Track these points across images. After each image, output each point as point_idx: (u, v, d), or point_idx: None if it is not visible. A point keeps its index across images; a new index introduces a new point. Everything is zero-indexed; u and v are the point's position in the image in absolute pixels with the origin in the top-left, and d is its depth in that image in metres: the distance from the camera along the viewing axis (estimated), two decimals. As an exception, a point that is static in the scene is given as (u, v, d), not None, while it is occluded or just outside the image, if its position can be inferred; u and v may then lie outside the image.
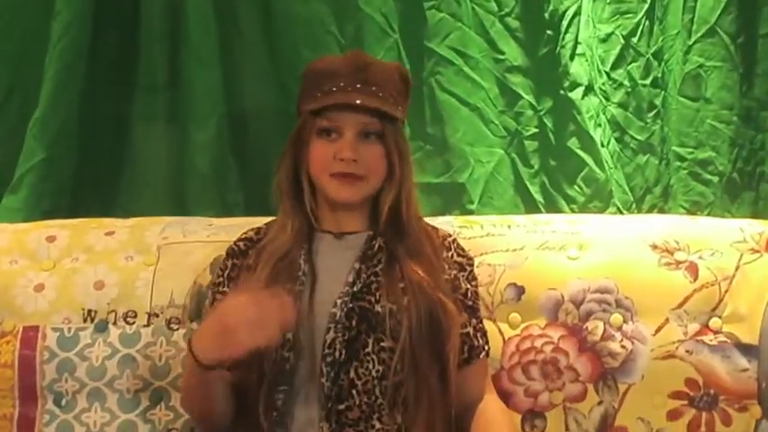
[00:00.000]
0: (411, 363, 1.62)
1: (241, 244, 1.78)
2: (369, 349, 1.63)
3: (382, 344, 1.63)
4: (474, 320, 1.74)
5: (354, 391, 1.62)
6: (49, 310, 1.87)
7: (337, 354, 1.62)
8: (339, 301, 1.65)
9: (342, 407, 1.62)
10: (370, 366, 1.63)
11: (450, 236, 1.81)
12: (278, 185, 1.75)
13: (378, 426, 1.62)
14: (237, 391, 1.65)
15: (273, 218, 1.79)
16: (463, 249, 1.80)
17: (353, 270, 1.68)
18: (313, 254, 1.71)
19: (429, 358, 1.64)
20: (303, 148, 1.71)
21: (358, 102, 1.67)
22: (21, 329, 1.86)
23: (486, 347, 1.75)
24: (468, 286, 1.76)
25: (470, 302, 1.74)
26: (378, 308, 1.64)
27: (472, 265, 1.79)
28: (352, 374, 1.62)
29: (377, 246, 1.71)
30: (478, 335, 1.74)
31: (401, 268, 1.67)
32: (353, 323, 1.63)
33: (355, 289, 1.66)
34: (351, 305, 1.64)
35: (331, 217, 1.75)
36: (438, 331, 1.65)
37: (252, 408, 1.63)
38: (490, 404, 1.75)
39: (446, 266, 1.73)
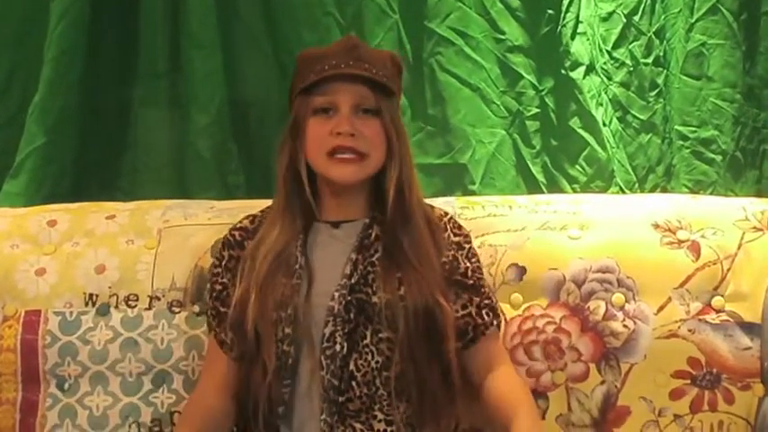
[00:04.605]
0: (409, 354, 1.61)
1: (236, 234, 1.76)
2: (367, 341, 1.62)
3: (380, 335, 1.62)
4: (477, 299, 1.71)
5: (354, 383, 1.61)
6: (51, 294, 1.88)
7: (338, 347, 1.61)
8: (337, 294, 1.63)
9: (342, 399, 1.61)
10: (370, 358, 1.62)
11: (446, 215, 1.78)
12: (277, 178, 1.72)
13: (380, 416, 1.62)
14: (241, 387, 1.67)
15: (270, 204, 1.76)
16: (459, 227, 1.77)
17: (350, 261, 1.66)
18: (309, 246, 1.69)
19: (427, 355, 1.62)
20: (300, 136, 1.68)
21: (349, 72, 1.65)
22: (22, 314, 1.87)
23: (495, 322, 1.73)
24: (468, 264, 1.73)
25: (471, 281, 1.72)
26: (374, 299, 1.63)
27: (470, 241, 1.77)
28: (351, 366, 1.62)
29: (373, 234, 1.68)
30: (483, 312, 1.71)
31: (399, 259, 1.65)
32: (352, 316, 1.62)
33: (353, 281, 1.64)
34: (348, 298, 1.63)
35: (333, 204, 1.72)
36: (434, 329, 1.62)
37: (255, 402, 1.62)
38: (502, 377, 1.70)
39: (443, 249, 1.71)
